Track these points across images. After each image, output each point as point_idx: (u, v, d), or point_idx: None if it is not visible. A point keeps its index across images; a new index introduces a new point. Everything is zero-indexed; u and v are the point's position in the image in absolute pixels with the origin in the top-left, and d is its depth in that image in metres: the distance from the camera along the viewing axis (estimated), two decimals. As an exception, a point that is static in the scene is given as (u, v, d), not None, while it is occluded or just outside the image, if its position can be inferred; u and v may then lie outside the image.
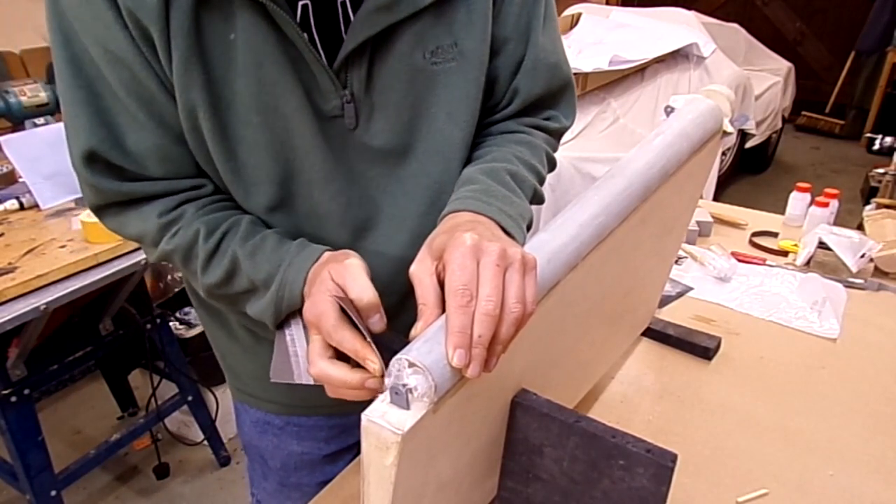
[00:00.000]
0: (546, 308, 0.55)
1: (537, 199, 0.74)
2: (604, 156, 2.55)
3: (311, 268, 0.62)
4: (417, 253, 0.55)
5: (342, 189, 0.69)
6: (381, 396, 0.45)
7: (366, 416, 0.43)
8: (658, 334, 1.06)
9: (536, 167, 0.74)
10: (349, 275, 0.56)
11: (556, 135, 0.80)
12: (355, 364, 0.53)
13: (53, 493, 1.64)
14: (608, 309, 0.78)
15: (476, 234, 0.50)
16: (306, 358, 0.58)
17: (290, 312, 0.63)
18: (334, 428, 0.89)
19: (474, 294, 0.47)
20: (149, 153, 0.64)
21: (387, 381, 0.44)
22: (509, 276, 0.48)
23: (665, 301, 1.18)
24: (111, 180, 0.64)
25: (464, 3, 0.66)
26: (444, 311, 0.47)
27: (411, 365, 0.44)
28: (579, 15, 3.67)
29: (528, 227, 0.70)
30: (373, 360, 0.50)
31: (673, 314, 1.13)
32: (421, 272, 0.52)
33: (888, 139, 2.89)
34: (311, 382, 0.57)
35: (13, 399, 1.53)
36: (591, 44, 3.26)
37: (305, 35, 0.60)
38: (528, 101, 0.75)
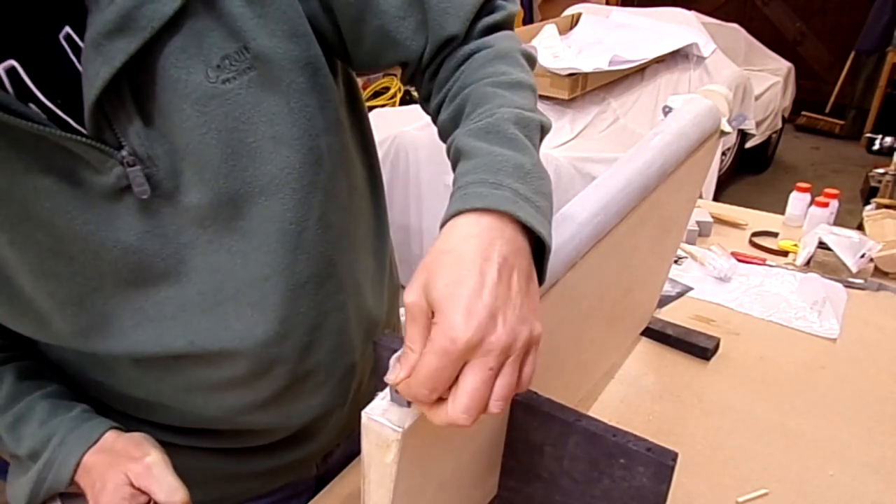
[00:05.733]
0: (545, 307, 0.55)
1: (545, 131, 0.56)
2: (604, 156, 2.55)
3: (88, 450, 0.54)
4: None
5: (171, 274, 0.54)
6: (381, 394, 0.45)
7: (366, 413, 0.43)
8: (657, 334, 1.06)
9: (527, 82, 0.56)
10: (153, 478, 0.49)
11: (510, 25, 0.62)
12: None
13: (54, 493, 1.64)
14: (607, 308, 0.78)
15: (479, 305, 0.39)
16: None
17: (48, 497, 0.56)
18: None
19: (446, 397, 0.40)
20: None
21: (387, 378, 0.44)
22: (504, 371, 0.40)
23: (665, 301, 1.18)
24: None
25: None
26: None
27: (411, 364, 0.44)
28: (579, 15, 3.67)
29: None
30: None
31: (673, 314, 1.13)
32: (416, 310, 0.41)
33: (888, 139, 2.90)
34: None
35: (14, 399, 1.52)
36: (591, 44, 3.25)
37: (33, 106, 0.46)
38: (442, 37, 0.57)
